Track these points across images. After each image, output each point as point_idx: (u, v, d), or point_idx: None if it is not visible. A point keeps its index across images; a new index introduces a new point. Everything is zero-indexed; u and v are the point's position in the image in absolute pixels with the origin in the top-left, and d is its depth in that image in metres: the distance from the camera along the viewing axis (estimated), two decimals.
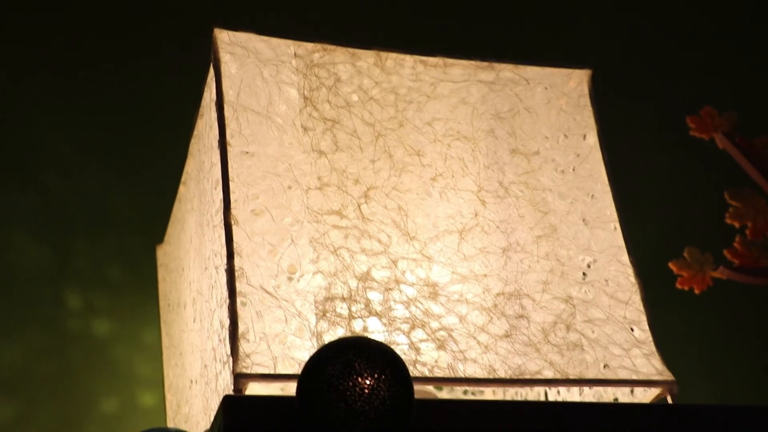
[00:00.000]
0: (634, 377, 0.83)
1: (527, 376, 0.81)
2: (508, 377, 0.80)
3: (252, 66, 0.87)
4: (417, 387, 0.73)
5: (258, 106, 0.86)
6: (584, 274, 0.88)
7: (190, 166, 0.98)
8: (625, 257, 0.89)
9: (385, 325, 0.80)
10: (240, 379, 0.74)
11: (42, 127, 1.17)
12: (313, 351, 0.72)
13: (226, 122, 0.84)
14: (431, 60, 0.92)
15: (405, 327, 0.80)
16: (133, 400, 1.08)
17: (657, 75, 1.39)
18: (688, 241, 1.14)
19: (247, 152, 0.84)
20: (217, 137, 0.84)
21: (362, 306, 0.80)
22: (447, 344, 0.80)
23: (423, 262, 0.84)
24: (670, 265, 1.12)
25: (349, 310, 0.79)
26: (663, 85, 1.38)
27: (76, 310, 1.10)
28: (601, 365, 0.84)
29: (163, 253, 1.10)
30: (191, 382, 0.92)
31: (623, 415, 0.78)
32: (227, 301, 0.77)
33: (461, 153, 0.90)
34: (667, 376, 0.83)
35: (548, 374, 0.81)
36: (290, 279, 0.81)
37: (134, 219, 1.15)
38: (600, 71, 0.97)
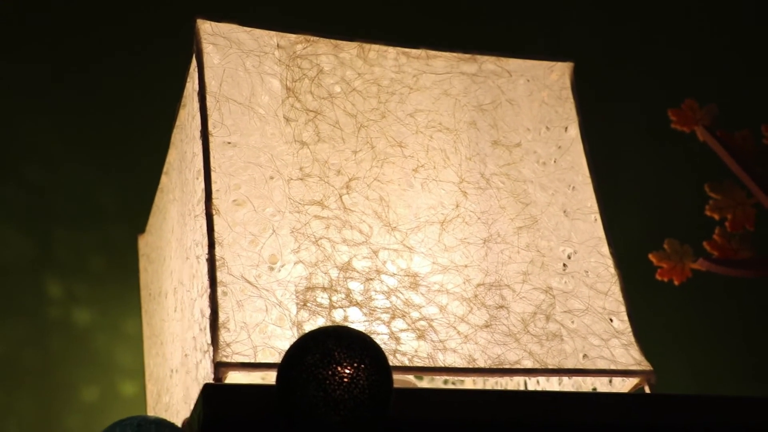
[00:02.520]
0: (613, 367, 0.84)
1: (507, 366, 0.81)
2: (487, 367, 0.81)
3: (235, 57, 0.87)
4: (397, 376, 0.73)
5: (240, 96, 0.86)
6: (564, 265, 0.89)
7: (172, 156, 0.98)
8: (605, 248, 0.89)
9: (365, 314, 0.80)
10: (220, 367, 0.74)
11: (22, 117, 1.16)
12: (293, 340, 0.72)
13: (209, 113, 0.84)
14: (414, 52, 0.92)
15: (385, 317, 0.80)
16: (113, 389, 1.08)
17: (639, 68, 1.39)
18: (668, 233, 1.15)
19: (229, 143, 0.84)
20: (200, 127, 0.84)
21: (343, 296, 0.80)
22: (427, 334, 0.80)
23: (404, 252, 0.84)
24: (650, 256, 1.13)
25: (330, 299, 0.80)
26: (645, 78, 1.39)
27: (58, 300, 1.10)
28: (581, 355, 0.84)
29: (144, 243, 1.10)
30: (172, 371, 0.92)
31: (602, 404, 0.78)
32: (208, 290, 0.78)
33: (443, 144, 0.90)
34: (646, 366, 0.84)
35: (528, 364, 0.82)
36: (271, 269, 0.81)
37: (116, 209, 1.15)
38: (582, 64, 0.98)
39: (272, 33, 0.89)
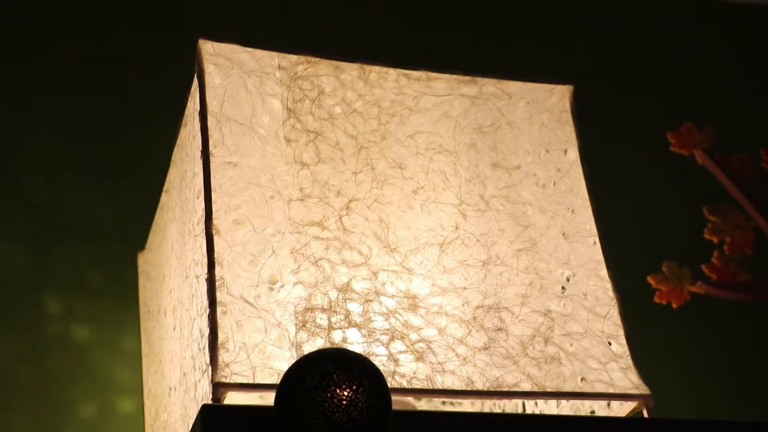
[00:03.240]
0: (611, 391, 0.84)
1: (505, 389, 0.81)
2: (486, 389, 0.81)
3: (236, 77, 0.87)
4: (396, 398, 0.73)
5: (241, 116, 0.86)
6: (563, 288, 0.89)
7: (173, 175, 0.98)
8: (603, 271, 0.90)
9: (364, 336, 0.80)
10: (219, 388, 0.74)
11: (23, 132, 1.17)
12: (292, 361, 0.72)
13: (210, 132, 0.84)
14: (414, 73, 0.93)
15: (384, 338, 0.80)
16: (111, 406, 1.08)
17: (638, 91, 1.40)
18: (666, 256, 1.15)
19: (229, 162, 0.84)
20: (200, 147, 0.84)
21: (342, 317, 0.80)
22: (426, 356, 0.80)
23: (403, 274, 0.84)
24: (649, 279, 1.14)
25: (329, 321, 0.80)
26: (644, 101, 1.39)
27: (56, 316, 1.10)
28: (579, 378, 0.84)
29: (144, 260, 1.10)
30: (170, 389, 0.92)
31: (600, 428, 0.78)
32: (207, 310, 0.78)
33: (443, 166, 0.90)
34: (644, 389, 0.84)
35: (526, 387, 0.82)
36: (271, 289, 0.81)
37: (116, 226, 1.15)
38: (582, 87, 0.98)
39: (273, 54, 0.90)
